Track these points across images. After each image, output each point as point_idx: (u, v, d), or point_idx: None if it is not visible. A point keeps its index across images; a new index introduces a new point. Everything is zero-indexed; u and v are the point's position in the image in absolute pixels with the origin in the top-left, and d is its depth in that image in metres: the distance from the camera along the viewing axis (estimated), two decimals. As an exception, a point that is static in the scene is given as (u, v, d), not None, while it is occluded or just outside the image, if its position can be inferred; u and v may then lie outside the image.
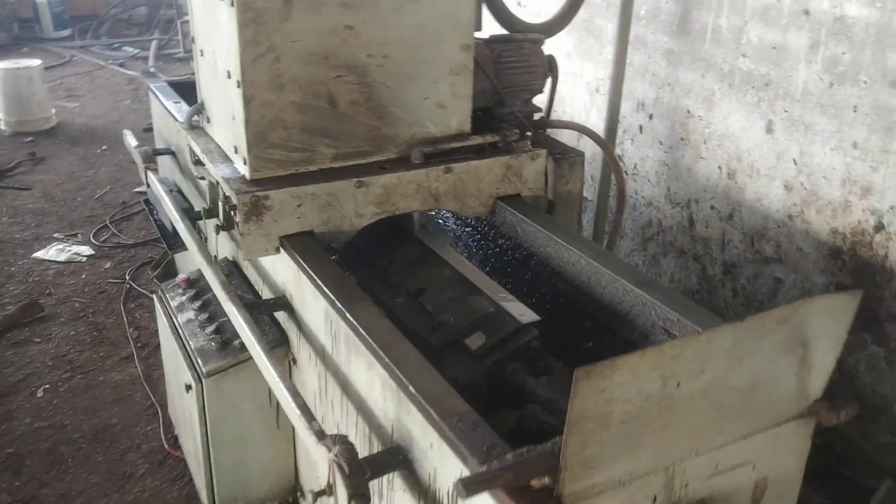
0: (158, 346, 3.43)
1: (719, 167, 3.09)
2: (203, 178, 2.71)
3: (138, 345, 3.93)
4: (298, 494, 2.92)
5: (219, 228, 2.53)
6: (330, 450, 1.77)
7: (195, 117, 2.81)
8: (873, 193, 2.52)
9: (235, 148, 2.44)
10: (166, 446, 3.25)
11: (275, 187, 2.32)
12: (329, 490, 1.81)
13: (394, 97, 2.44)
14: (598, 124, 3.51)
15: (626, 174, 3.64)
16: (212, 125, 2.71)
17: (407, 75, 2.43)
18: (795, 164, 2.76)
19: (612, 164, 3.10)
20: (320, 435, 1.84)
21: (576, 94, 3.88)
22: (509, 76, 2.74)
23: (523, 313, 2.16)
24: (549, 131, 3.01)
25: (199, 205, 3.26)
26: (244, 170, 2.38)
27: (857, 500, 2.62)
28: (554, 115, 3.91)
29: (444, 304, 2.29)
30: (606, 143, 3.06)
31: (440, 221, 3.06)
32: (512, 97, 2.73)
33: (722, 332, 1.43)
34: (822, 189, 2.69)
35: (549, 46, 3.88)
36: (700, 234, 3.26)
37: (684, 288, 3.38)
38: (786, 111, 2.76)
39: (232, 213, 2.36)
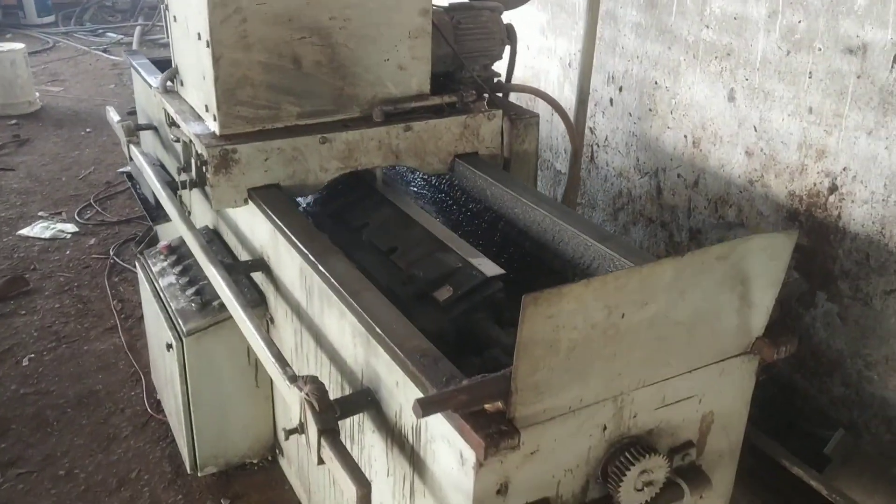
0: (142, 317, 3.51)
1: (685, 136, 3.19)
2: (178, 140, 2.81)
3: (122, 316, 4.01)
4: (277, 452, 3.02)
5: (192, 184, 2.63)
6: (301, 389, 1.86)
7: (169, 82, 2.93)
8: (827, 156, 2.63)
9: (206, 106, 2.56)
10: (149, 410, 3.33)
11: (243, 142, 2.47)
12: (301, 428, 1.90)
13: (355, 58, 2.57)
14: (570, 97, 3.61)
15: (598, 146, 3.74)
16: (185, 88, 2.82)
17: (367, 37, 2.56)
18: (756, 130, 2.87)
19: (566, 126, 3.24)
20: (293, 379, 1.93)
21: (550, 68, 3.98)
22: (468, 42, 2.89)
23: (489, 267, 2.26)
24: (513, 97, 3.11)
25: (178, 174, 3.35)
26: (214, 126, 2.51)
27: (813, 450, 2.73)
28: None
29: (415, 260, 2.39)
30: (559, 104, 3.19)
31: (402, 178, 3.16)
32: (471, 62, 2.88)
33: (663, 266, 1.53)
34: (781, 154, 2.79)
35: (525, 22, 3.98)
36: (667, 202, 3.37)
37: (654, 255, 3.49)
38: (746, 79, 2.87)
39: (203, 168, 2.48)
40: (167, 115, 2.88)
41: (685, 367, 1.74)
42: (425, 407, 1.45)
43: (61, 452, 3.12)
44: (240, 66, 2.43)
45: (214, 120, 2.49)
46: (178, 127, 2.72)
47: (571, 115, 3.48)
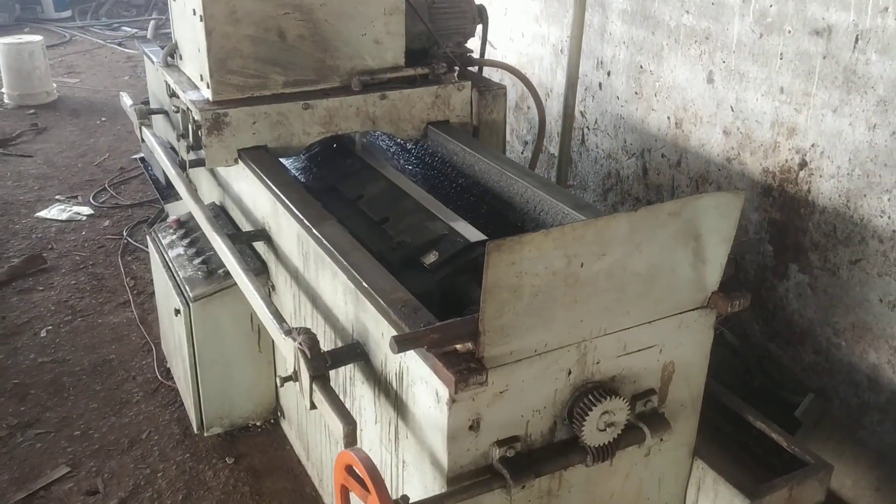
0: (153, 294, 3.70)
1: (668, 117, 3.34)
2: (177, 110, 3.09)
3: (135, 292, 4.20)
4: (279, 415, 3.19)
5: (189, 148, 2.92)
6: (295, 339, 2.03)
7: (169, 57, 3.24)
8: (797, 134, 2.77)
9: (201, 76, 2.84)
10: (159, 377, 3.52)
11: (233, 107, 2.75)
12: (295, 376, 2.08)
13: (335, 33, 2.85)
14: (561, 82, 3.76)
15: (588, 129, 3.89)
16: (183, 61, 3.12)
17: (346, 14, 2.85)
18: (732, 110, 3.02)
19: (532, 95, 3.52)
20: (287, 332, 2.10)
21: (543, 54, 4.13)
22: (442, 20, 3.19)
23: (472, 233, 2.43)
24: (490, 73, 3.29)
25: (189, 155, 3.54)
26: (208, 93, 2.80)
27: (785, 414, 2.88)
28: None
29: (404, 228, 2.56)
30: (526, 77, 3.55)
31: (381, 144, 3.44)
32: (445, 39, 3.15)
33: (618, 219, 1.69)
34: (755, 132, 2.94)
35: (519, 10, 4.14)
36: (653, 182, 3.52)
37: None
38: (723, 62, 3.01)
39: (198, 131, 2.76)
40: (168, 86, 3.16)
41: (644, 318, 1.89)
42: (400, 343, 1.62)
43: (76, 415, 3.32)
44: (230, 39, 2.71)
45: (208, 87, 2.77)
46: (178, 97, 3.00)
47: (561, 99, 3.64)
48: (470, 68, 3.30)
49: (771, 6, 2.77)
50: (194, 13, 2.73)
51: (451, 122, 3.07)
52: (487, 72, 3.82)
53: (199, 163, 2.87)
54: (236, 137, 2.75)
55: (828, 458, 2.71)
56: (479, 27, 3.35)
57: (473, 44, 3.37)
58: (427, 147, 3.11)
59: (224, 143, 2.74)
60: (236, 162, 2.78)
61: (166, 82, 3.17)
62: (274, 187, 2.56)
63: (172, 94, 3.11)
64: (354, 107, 2.88)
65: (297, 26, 2.77)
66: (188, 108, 2.86)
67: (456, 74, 3.09)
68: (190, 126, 2.87)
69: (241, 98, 2.79)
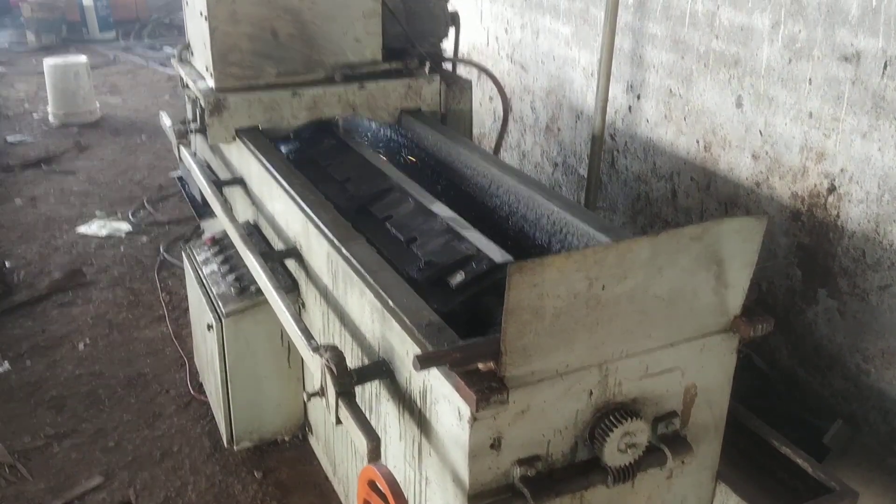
0: (187, 309, 3.78)
1: (697, 141, 3.35)
2: (189, 99, 3.56)
3: (170, 307, 4.30)
4: (307, 430, 3.24)
5: (197, 130, 3.30)
6: (322, 356, 2.08)
7: (184, 53, 3.72)
8: (826, 158, 2.77)
9: (206, 68, 3.30)
10: (192, 392, 3.59)
11: (232, 93, 3.21)
12: (321, 392, 2.12)
13: (321, 32, 3.31)
14: (592, 105, 3.79)
15: (618, 152, 3.91)
16: (194, 57, 3.58)
17: (330, 16, 3.29)
18: (761, 135, 3.02)
19: (498, 91, 3.92)
20: (315, 348, 2.15)
21: (574, 78, 4.17)
22: (418, 23, 3.56)
23: (498, 254, 2.46)
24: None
25: (224, 175, 3.64)
26: (211, 83, 3.27)
27: (813, 441, 2.85)
28: (553, 98, 4.22)
29: (434, 250, 2.60)
30: (493, 74, 3.97)
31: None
32: (420, 40, 3.54)
33: (640, 243, 1.71)
34: (784, 157, 2.94)
35: (551, 34, 4.19)
36: (682, 205, 3.52)
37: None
38: (752, 86, 3.02)
39: (203, 113, 3.16)
40: (181, 78, 3.59)
41: (666, 341, 1.90)
42: (423, 361, 1.66)
43: (111, 427, 3.40)
44: (230, 37, 3.16)
45: (211, 77, 3.24)
46: (189, 87, 3.43)
47: (591, 122, 3.67)
48: (446, 66, 3.77)
49: (800, 32, 2.78)
50: (201, 14, 3.17)
51: (422, 109, 3.50)
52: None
53: (198, 131, 3.35)
54: (234, 118, 3.21)
55: (856, 485, 2.69)
56: (452, 30, 3.75)
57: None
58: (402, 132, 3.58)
59: (223, 123, 3.20)
60: (234, 140, 3.23)
61: (180, 75, 3.62)
62: (305, 206, 2.62)
63: (185, 86, 3.55)
64: (336, 95, 3.33)
65: (287, 26, 3.22)
66: (196, 96, 3.30)
67: (427, 69, 3.55)
68: (197, 111, 3.29)
69: (239, 86, 3.23)
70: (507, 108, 3.95)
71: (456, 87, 3.59)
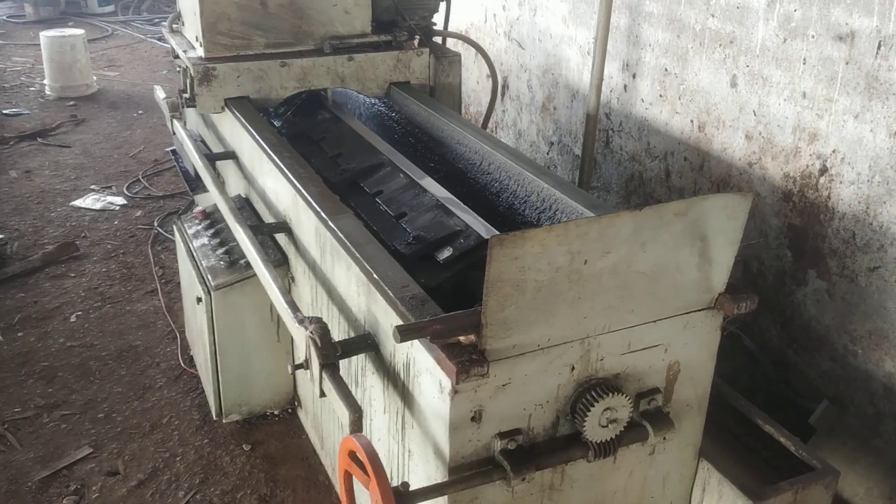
0: (180, 283, 3.79)
1: (691, 121, 3.34)
2: (179, 69, 3.54)
3: (162, 281, 4.30)
4: (296, 404, 3.25)
5: (187, 101, 3.31)
6: (307, 328, 2.08)
7: (174, 24, 3.73)
8: (819, 139, 2.76)
9: (196, 37, 3.33)
10: (182, 365, 3.60)
11: (221, 63, 3.21)
12: (306, 364, 2.13)
13: (310, 2, 3.33)
14: (587, 84, 3.77)
15: (613, 131, 3.90)
16: (185, 27, 3.61)
17: None
18: (755, 115, 3.01)
19: (488, 65, 3.94)
20: (300, 320, 2.15)
21: (571, 56, 4.14)
22: None
23: (486, 230, 2.46)
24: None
25: (217, 149, 3.63)
26: (201, 52, 3.29)
27: (799, 421, 2.86)
28: (550, 76, 4.19)
29: (423, 225, 2.60)
30: (480, 46, 4.03)
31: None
32: (411, 14, 3.54)
33: (622, 217, 1.70)
34: (777, 137, 2.92)
35: (549, 12, 4.16)
36: (675, 185, 3.51)
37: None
38: (747, 66, 3.00)
39: (192, 83, 3.17)
40: (172, 48, 3.62)
41: (649, 317, 1.90)
42: (403, 333, 1.65)
43: (101, 398, 3.41)
44: (219, 5, 3.19)
45: (201, 46, 3.25)
46: (179, 57, 3.44)
47: (586, 101, 3.65)
48: (436, 40, 3.74)
49: (795, 11, 2.76)
50: None
51: (411, 83, 3.51)
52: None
53: (188, 103, 3.34)
54: (223, 88, 3.22)
55: (841, 465, 2.70)
56: (443, 4, 3.78)
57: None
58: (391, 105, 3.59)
59: (212, 92, 3.21)
60: (223, 110, 3.25)
61: (170, 45, 3.65)
62: (295, 180, 2.61)
63: (175, 56, 3.58)
64: (325, 66, 3.35)
65: None
66: (186, 66, 3.31)
67: (416, 42, 3.53)
68: (187, 81, 3.30)
69: (229, 56, 3.25)
70: (495, 83, 3.99)
71: (445, 60, 3.61)
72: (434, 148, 3.20)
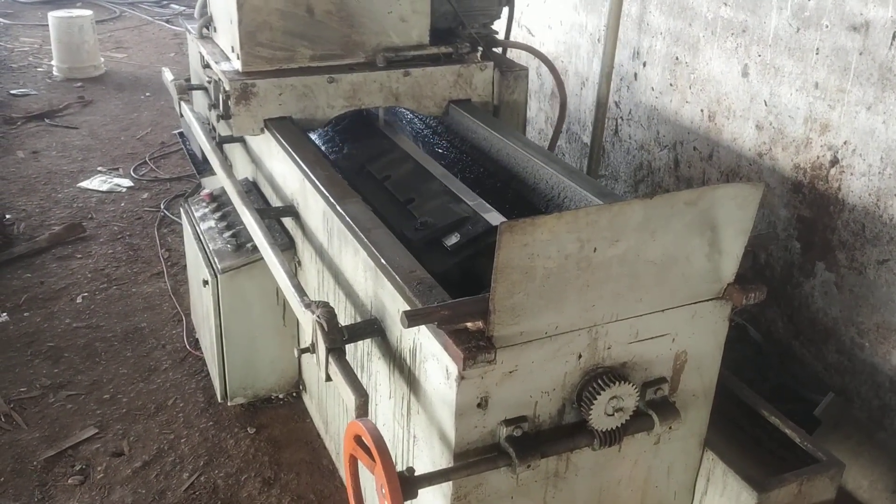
0: (186, 265, 3.79)
1: (701, 110, 3.32)
2: (210, 81, 3.17)
3: (168, 264, 4.30)
4: (301, 388, 3.26)
5: (219, 117, 3.00)
6: (313, 312, 2.08)
7: (205, 29, 3.34)
8: (830, 130, 2.74)
9: (232, 48, 2.93)
10: (188, 347, 3.61)
11: (261, 78, 2.84)
12: (312, 348, 2.13)
13: (362, 9, 2.94)
14: (597, 72, 3.75)
15: (622, 119, 3.87)
16: (217, 34, 3.21)
17: None
18: (766, 105, 2.99)
19: (555, 78, 3.51)
20: (307, 304, 2.15)
21: (581, 43, 4.12)
22: (468, 1, 3.20)
23: (495, 217, 2.45)
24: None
25: (225, 132, 3.61)
26: (238, 65, 2.90)
27: (805, 413, 2.86)
28: (559, 63, 4.17)
29: (428, 209, 2.59)
30: (549, 59, 3.53)
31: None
32: (471, 20, 3.20)
33: (633, 206, 1.69)
34: (788, 127, 2.91)
35: (558, 1, 4.13)
36: (684, 174, 3.50)
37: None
38: (759, 55, 2.98)
39: (228, 100, 2.83)
40: (202, 57, 3.25)
41: (657, 306, 1.89)
42: (411, 318, 1.65)
43: (107, 379, 3.42)
44: (260, 13, 2.80)
45: (238, 59, 2.87)
46: (210, 68, 3.09)
47: (596, 89, 3.63)
48: (494, 49, 3.33)
49: (809, 0, 2.73)
50: None
51: (472, 100, 3.13)
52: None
53: (220, 118, 3.00)
54: (263, 108, 2.85)
55: (845, 458, 2.70)
56: (506, 10, 3.38)
57: (500, 25, 3.40)
58: (450, 126, 3.17)
59: (251, 112, 2.84)
60: (262, 131, 2.88)
61: (200, 53, 3.27)
62: (303, 164, 2.60)
63: (206, 66, 3.22)
64: (378, 82, 2.96)
65: (324, 2, 2.86)
66: (220, 79, 2.96)
67: (479, 55, 3.15)
68: (221, 96, 2.98)
69: (269, 70, 2.88)
70: (564, 98, 3.47)
71: (511, 75, 3.22)
72: (503, 177, 2.82)
